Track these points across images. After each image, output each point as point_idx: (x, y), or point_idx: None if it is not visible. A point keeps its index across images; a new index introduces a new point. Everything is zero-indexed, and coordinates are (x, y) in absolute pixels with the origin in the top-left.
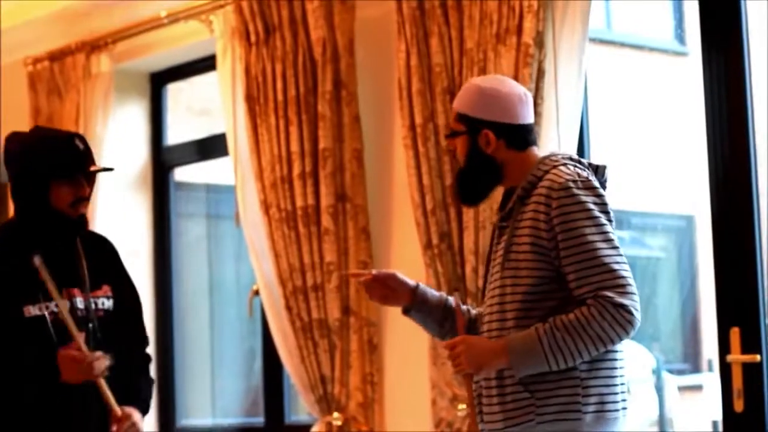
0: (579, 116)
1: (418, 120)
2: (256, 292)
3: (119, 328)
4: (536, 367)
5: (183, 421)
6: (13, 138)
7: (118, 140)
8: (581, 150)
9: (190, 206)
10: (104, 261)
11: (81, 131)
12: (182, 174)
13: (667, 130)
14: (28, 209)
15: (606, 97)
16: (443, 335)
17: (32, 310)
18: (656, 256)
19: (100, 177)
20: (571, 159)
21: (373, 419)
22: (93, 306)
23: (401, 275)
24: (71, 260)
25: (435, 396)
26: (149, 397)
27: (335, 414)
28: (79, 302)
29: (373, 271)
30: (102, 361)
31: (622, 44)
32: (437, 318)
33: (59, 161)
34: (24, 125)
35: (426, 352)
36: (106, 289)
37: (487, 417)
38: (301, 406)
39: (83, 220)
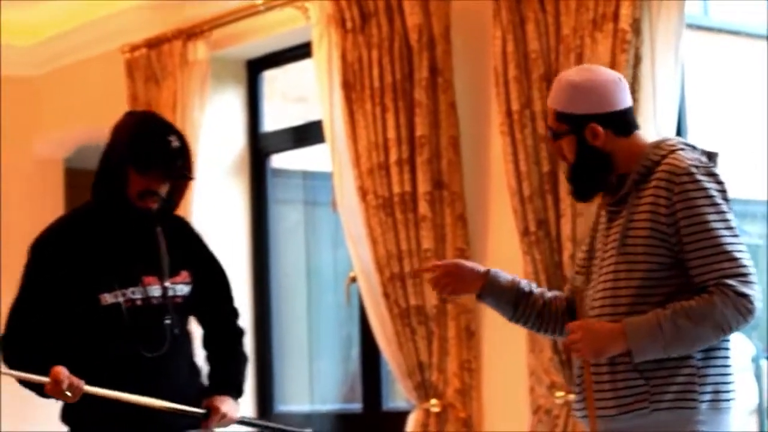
0: (677, 103)
1: (515, 107)
2: (353, 279)
3: (205, 306)
4: (655, 353)
5: (281, 407)
6: (123, 116)
7: (215, 127)
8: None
9: (287, 193)
10: (184, 246)
11: (178, 119)
12: (279, 161)
13: (765, 116)
14: (102, 188)
15: (703, 83)
16: (517, 318)
17: (108, 298)
18: (755, 243)
19: (199, 164)
20: (686, 144)
21: (471, 406)
22: (171, 293)
23: (467, 262)
24: (148, 247)
25: (533, 383)
26: (242, 378)
27: (433, 400)
28: (155, 290)
29: (436, 263)
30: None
31: (720, 30)
32: (510, 300)
33: (140, 153)
34: (122, 113)
35: (523, 338)
36: (184, 275)
37: (597, 404)
38: (398, 393)
39: (149, 213)
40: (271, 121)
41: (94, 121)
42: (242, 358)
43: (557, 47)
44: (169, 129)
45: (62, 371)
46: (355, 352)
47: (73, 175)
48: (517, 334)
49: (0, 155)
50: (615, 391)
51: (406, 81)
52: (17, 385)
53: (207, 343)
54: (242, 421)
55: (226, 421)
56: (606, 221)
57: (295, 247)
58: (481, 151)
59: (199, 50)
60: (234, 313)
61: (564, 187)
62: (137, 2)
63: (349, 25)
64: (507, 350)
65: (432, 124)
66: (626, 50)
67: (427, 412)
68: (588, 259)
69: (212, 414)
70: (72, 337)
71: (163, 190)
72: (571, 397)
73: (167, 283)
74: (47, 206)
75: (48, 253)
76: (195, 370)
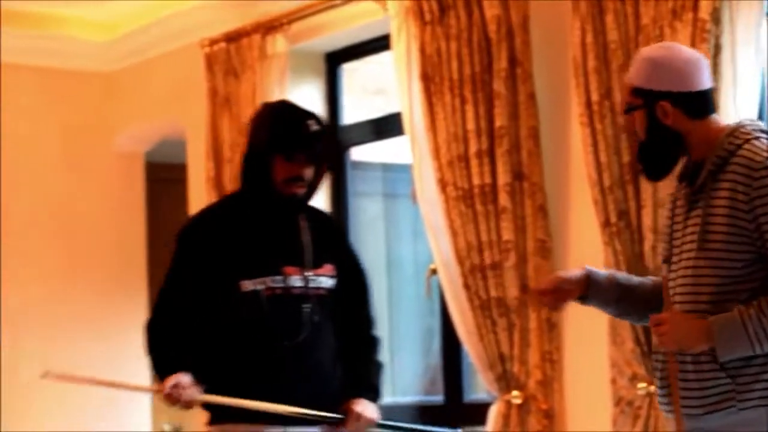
0: (757, 93)
1: (594, 97)
2: (434, 271)
3: (342, 308)
4: (741, 352)
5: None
6: (260, 107)
7: None
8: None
9: (366, 185)
10: (329, 240)
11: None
12: (358, 153)
13: None
14: (249, 178)
15: None
16: (620, 314)
17: (248, 285)
18: None
19: None
20: (762, 131)
21: (552, 397)
22: (313, 284)
23: (564, 273)
24: (292, 237)
25: (614, 375)
26: (378, 381)
27: (514, 392)
28: (296, 280)
29: (540, 289)
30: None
31: None
32: (612, 298)
33: (281, 135)
34: (201, 107)
35: (605, 330)
36: (328, 268)
37: (683, 401)
38: (480, 385)
39: (295, 200)
40: (351, 114)
41: (174, 115)
42: (379, 365)
43: (636, 37)
44: (307, 114)
45: (182, 382)
46: (436, 344)
47: (153, 169)
48: (599, 325)
49: (81, 150)
50: (702, 390)
51: (485, 72)
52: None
53: (349, 343)
54: (381, 425)
55: (362, 423)
56: (684, 211)
57: (375, 239)
58: (561, 142)
59: (278, 43)
60: (370, 322)
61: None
62: None
63: (427, 16)
64: (588, 341)
65: (511, 115)
66: (706, 40)
67: (508, 403)
68: (669, 249)
69: (348, 416)
70: (213, 324)
71: (308, 175)
72: (653, 388)
73: (309, 274)
74: (128, 200)
75: (192, 241)
76: (333, 364)
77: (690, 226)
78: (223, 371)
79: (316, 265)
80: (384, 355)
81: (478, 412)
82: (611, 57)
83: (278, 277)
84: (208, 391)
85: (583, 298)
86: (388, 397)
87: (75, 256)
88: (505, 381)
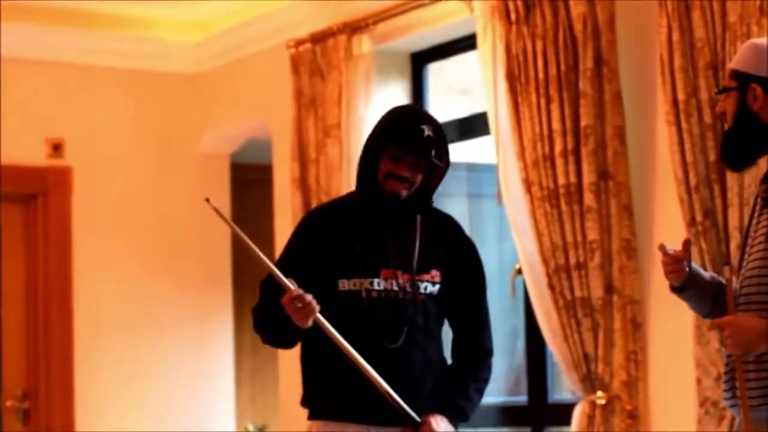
0: None
1: (681, 96)
2: (519, 271)
3: (446, 314)
4: None
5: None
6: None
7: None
8: None
9: (451, 185)
10: (441, 244)
11: (343, 112)
12: None
13: None
14: (359, 175)
15: None
16: (714, 314)
17: (346, 284)
18: None
19: None
20: None
21: (637, 398)
22: (414, 289)
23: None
24: (400, 240)
25: (700, 374)
26: (473, 406)
27: (599, 393)
28: (395, 284)
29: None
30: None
31: None
32: (710, 295)
33: (389, 132)
34: (287, 108)
35: (690, 330)
36: (434, 273)
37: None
38: (564, 385)
39: (396, 199)
40: (437, 113)
41: (260, 116)
42: (483, 382)
43: (723, 35)
44: (426, 119)
45: (304, 293)
46: (521, 344)
47: (239, 170)
48: (684, 325)
49: (168, 151)
50: (759, 380)
51: (571, 72)
52: None
53: (453, 355)
54: None
55: None
56: (759, 208)
57: None
58: (647, 141)
59: (364, 44)
60: (484, 330)
61: (731, 176)
62: None
63: (513, 16)
64: (673, 341)
65: (597, 114)
66: None
67: (593, 404)
68: (742, 246)
69: (423, 425)
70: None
71: (414, 176)
72: None
73: (411, 278)
74: (214, 200)
75: (304, 232)
76: (435, 368)
77: (762, 221)
78: (321, 382)
79: (421, 270)
80: None
81: (562, 413)
82: (698, 55)
83: (376, 280)
84: (306, 399)
85: (683, 288)
86: None
87: (161, 256)
88: (590, 381)
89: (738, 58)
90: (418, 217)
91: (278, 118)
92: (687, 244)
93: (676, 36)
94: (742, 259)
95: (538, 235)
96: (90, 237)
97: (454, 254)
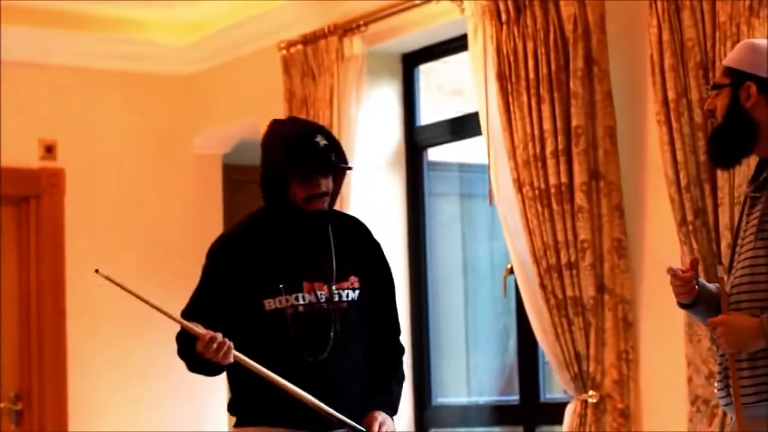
0: None
1: (671, 96)
2: (510, 271)
3: (367, 318)
4: None
5: (439, 399)
6: (269, 127)
7: (372, 122)
8: None
9: (443, 185)
10: (354, 249)
11: (335, 113)
12: (435, 153)
13: None
14: (270, 200)
15: None
16: None
17: (272, 304)
18: None
19: (356, 158)
20: None
21: (629, 397)
22: (336, 298)
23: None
24: (316, 252)
25: (691, 373)
26: (399, 398)
27: (590, 392)
28: (319, 296)
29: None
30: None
31: None
32: (716, 308)
33: (293, 161)
34: (278, 109)
35: (681, 329)
36: (353, 280)
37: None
38: (555, 384)
39: (318, 215)
40: (429, 114)
41: (252, 117)
42: (401, 379)
43: (713, 35)
44: (314, 129)
45: (214, 335)
46: (512, 343)
47: (231, 171)
48: (675, 324)
49: (160, 152)
50: (754, 378)
51: (562, 72)
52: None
53: (365, 353)
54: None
55: None
56: (747, 208)
57: (452, 239)
58: (638, 141)
59: (355, 45)
60: (397, 330)
61: (722, 176)
62: None
63: (503, 17)
64: (664, 340)
65: (588, 114)
66: None
67: (584, 403)
68: (732, 247)
69: (369, 427)
70: (239, 342)
71: (328, 187)
72: None
73: (333, 288)
74: (206, 201)
75: (219, 259)
76: (362, 375)
77: (751, 221)
78: (248, 388)
79: (340, 278)
80: (460, 355)
81: (554, 412)
82: (688, 55)
83: (300, 294)
84: (233, 406)
85: (692, 304)
86: (464, 398)
87: (152, 256)
88: (581, 380)
89: (733, 56)
90: (329, 226)
91: (270, 120)
92: (694, 263)
93: (666, 36)
94: (732, 259)
95: (530, 234)
96: (83, 238)
97: (367, 258)
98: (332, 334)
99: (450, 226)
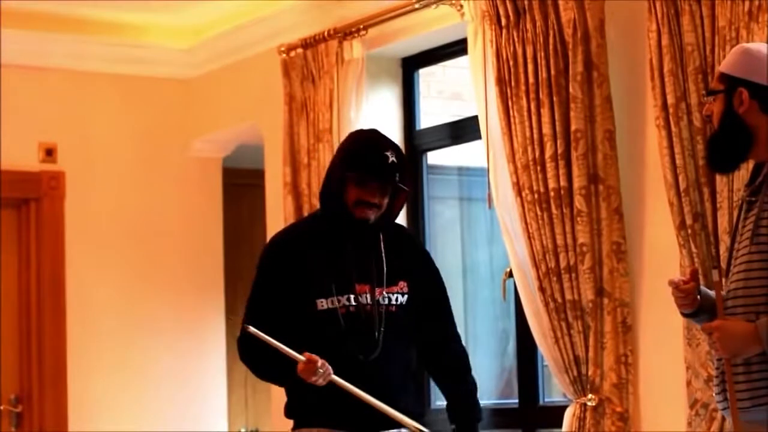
0: None
1: (671, 100)
2: (510, 274)
3: (420, 322)
4: None
5: (438, 402)
6: (350, 134)
7: (371, 125)
8: None
9: (442, 189)
10: (403, 256)
11: (334, 117)
12: (435, 157)
13: None
14: (324, 197)
15: None
16: None
17: (324, 304)
18: None
19: None
20: None
21: (628, 400)
22: (386, 301)
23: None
24: (367, 256)
25: (690, 377)
26: (480, 409)
27: (589, 395)
28: (369, 298)
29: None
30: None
31: None
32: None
33: (355, 162)
34: (279, 112)
35: (680, 332)
36: (402, 285)
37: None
38: (555, 388)
39: (364, 224)
40: (428, 118)
41: (251, 120)
42: (474, 388)
43: (713, 39)
44: (388, 144)
45: (316, 359)
46: (511, 347)
47: (231, 174)
48: (674, 327)
49: (160, 155)
50: (749, 383)
51: (561, 76)
52: None
53: (431, 367)
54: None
55: None
56: (744, 212)
57: (451, 242)
58: (637, 145)
59: (355, 49)
60: (456, 337)
61: (721, 179)
62: (293, 3)
63: (503, 21)
64: (664, 344)
65: (587, 118)
66: None
67: (583, 406)
68: (729, 251)
69: None
70: (294, 340)
71: (381, 201)
72: None
73: (382, 292)
74: (206, 205)
75: (273, 259)
76: (409, 377)
77: (747, 225)
78: (305, 391)
79: (390, 282)
80: None
81: (553, 415)
82: (687, 59)
83: (351, 296)
84: (290, 409)
85: (695, 314)
86: None
87: (152, 260)
88: (580, 384)
89: (727, 62)
90: (381, 234)
91: (270, 123)
92: (695, 273)
93: (665, 40)
94: (729, 263)
95: (529, 238)
96: (83, 241)
97: (417, 265)
98: (381, 334)
99: (449, 229)
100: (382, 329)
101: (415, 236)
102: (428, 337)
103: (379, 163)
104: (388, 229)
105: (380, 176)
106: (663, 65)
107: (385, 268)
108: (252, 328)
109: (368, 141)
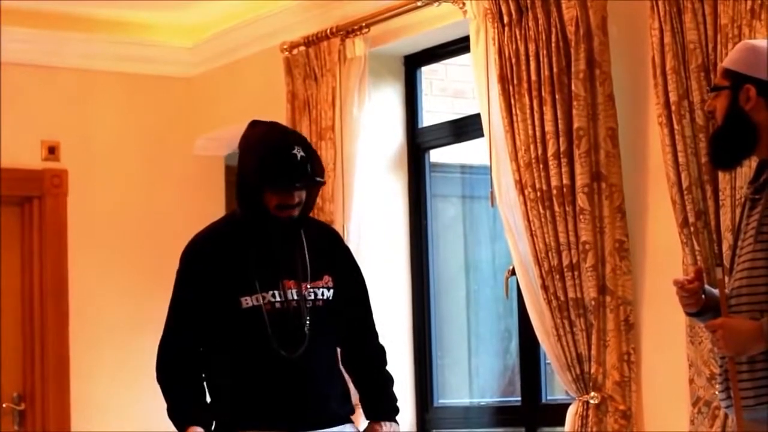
0: None
1: (673, 98)
2: (512, 272)
3: (343, 317)
4: None
5: (440, 401)
6: (247, 130)
7: (374, 123)
8: None
9: (445, 187)
10: (326, 251)
11: (337, 115)
12: (437, 155)
13: None
14: (244, 205)
15: None
16: None
17: (248, 301)
18: None
19: (358, 159)
20: None
21: (630, 398)
22: (311, 296)
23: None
24: (290, 252)
25: (692, 375)
26: (396, 398)
27: (592, 393)
28: (293, 294)
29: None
30: None
31: None
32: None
33: (269, 173)
34: (281, 110)
35: (683, 330)
36: (327, 279)
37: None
38: (557, 386)
39: (291, 222)
40: (431, 116)
41: (254, 118)
42: (392, 379)
43: (715, 37)
44: (293, 140)
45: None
46: (514, 345)
47: (233, 173)
48: (677, 325)
49: (163, 153)
50: (753, 381)
51: (563, 74)
52: None
53: (349, 363)
54: None
55: None
56: (747, 210)
57: (454, 241)
58: (639, 143)
59: (357, 47)
60: (375, 331)
61: (723, 177)
62: (296, 1)
63: (505, 19)
64: (666, 342)
65: (590, 116)
66: None
67: (586, 404)
68: (732, 249)
69: None
70: (218, 339)
71: (301, 198)
72: None
73: (307, 286)
74: (208, 202)
75: (194, 260)
76: (336, 373)
77: (751, 223)
78: (229, 384)
79: (315, 277)
80: (462, 356)
81: (556, 413)
82: (690, 57)
83: (276, 292)
84: (212, 403)
85: (700, 313)
86: (466, 399)
87: (155, 258)
88: (583, 382)
89: (732, 58)
90: (302, 229)
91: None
92: (699, 272)
93: (668, 38)
94: (732, 261)
95: (532, 236)
96: (85, 239)
97: (339, 260)
98: (307, 330)
99: (452, 227)
100: (309, 325)
101: (336, 232)
102: (348, 332)
103: (291, 165)
104: (310, 225)
105: (295, 179)
106: (665, 63)
107: (308, 263)
108: None
109: (273, 144)
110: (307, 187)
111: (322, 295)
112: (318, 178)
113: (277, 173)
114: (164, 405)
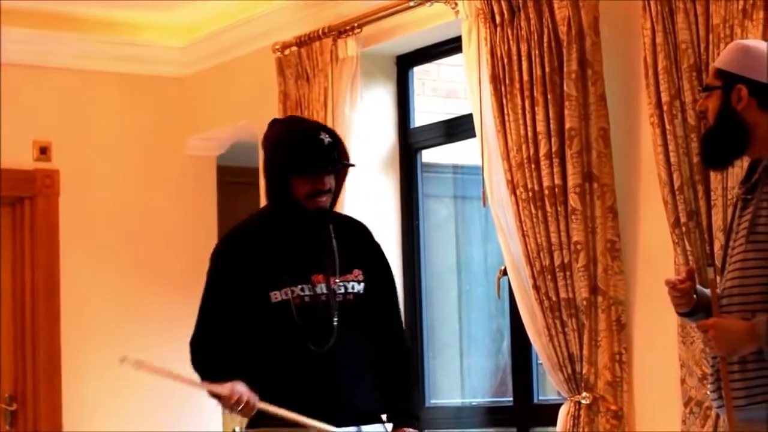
0: None
1: (665, 98)
2: (504, 272)
3: (370, 312)
4: None
5: (432, 401)
6: (270, 126)
7: (366, 123)
8: None
9: (437, 187)
10: (356, 246)
11: (329, 115)
12: (429, 155)
13: None
14: (274, 197)
15: None
16: None
17: (278, 296)
18: None
19: (351, 160)
20: None
21: (622, 398)
22: (341, 290)
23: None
24: (320, 246)
25: (684, 375)
26: (419, 402)
27: (584, 393)
28: (322, 288)
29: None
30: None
31: None
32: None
33: (298, 158)
34: (273, 110)
35: (675, 330)
36: (357, 272)
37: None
38: (549, 386)
39: (321, 212)
40: (423, 116)
41: (246, 119)
42: (416, 381)
43: (707, 37)
44: (318, 127)
45: (239, 389)
46: (506, 345)
47: (225, 173)
48: (668, 326)
49: (155, 153)
50: (745, 381)
51: (555, 74)
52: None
53: (375, 358)
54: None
55: None
56: (739, 210)
57: (446, 241)
58: (631, 143)
59: (350, 47)
60: (402, 329)
61: (715, 177)
62: (288, 1)
63: (497, 19)
64: (658, 342)
65: (582, 116)
66: None
67: (577, 404)
68: (724, 250)
69: None
70: (249, 335)
71: (332, 184)
72: None
73: (336, 280)
74: (200, 203)
75: (224, 259)
76: (368, 368)
77: (742, 223)
78: (259, 379)
79: (344, 271)
80: (454, 356)
81: (548, 413)
82: (682, 57)
83: (306, 286)
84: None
85: (692, 312)
86: (458, 399)
87: (146, 258)
88: (575, 382)
89: (724, 58)
90: (331, 223)
91: (265, 121)
92: (691, 272)
93: (659, 38)
94: (724, 261)
95: (524, 236)
96: (77, 240)
97: (370, 255)
98: (336, 324)
99: (444, 227)
100: (339, 319)
101: (366, 227)
102: (377, 329)
103: (321, 150)
104: (340, 219)
105: (324, 162)
106: (657, 63)
107: (337, 257)
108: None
109: (300, 131)
110: (337, 171)
111: (353, 288)
112: (345, 162)
113: (308, 158)
114: (156, 405)
